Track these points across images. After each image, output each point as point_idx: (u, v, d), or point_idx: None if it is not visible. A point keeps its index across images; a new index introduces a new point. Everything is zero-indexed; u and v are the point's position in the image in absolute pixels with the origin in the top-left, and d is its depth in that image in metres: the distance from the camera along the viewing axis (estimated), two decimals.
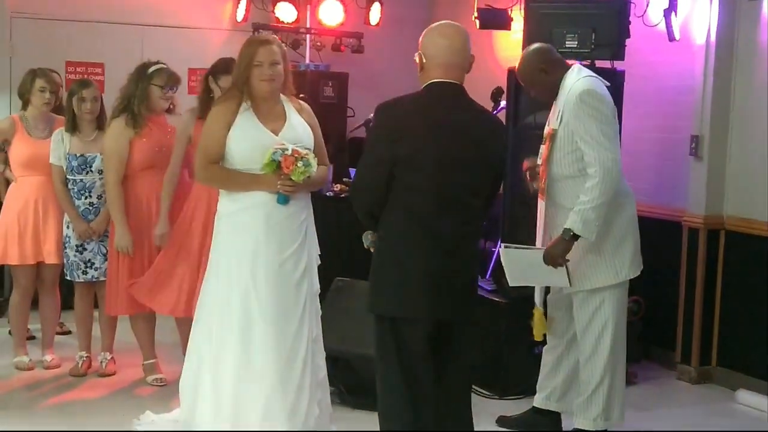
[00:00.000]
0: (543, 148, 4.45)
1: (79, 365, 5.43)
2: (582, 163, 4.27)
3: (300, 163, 4.05)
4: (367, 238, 3.73)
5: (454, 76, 3.51)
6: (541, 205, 4.46)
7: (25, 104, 5.48)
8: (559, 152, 4.33)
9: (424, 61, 3.53)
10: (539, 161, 4.46)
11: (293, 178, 4.07)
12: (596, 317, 4.37)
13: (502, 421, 4.79)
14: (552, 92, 4.43)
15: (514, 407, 5.08)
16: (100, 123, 5.37)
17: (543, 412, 4.69)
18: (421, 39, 3.57)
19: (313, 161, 4.12)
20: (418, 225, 3.44)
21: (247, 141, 4.13)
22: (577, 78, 4.35)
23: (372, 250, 3.69)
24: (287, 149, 4.06)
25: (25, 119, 5.46)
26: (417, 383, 3.53)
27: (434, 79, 3.49)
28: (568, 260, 4.25)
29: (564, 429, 4.65)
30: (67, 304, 5.70)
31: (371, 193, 3.47)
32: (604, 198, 4.19)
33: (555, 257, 4.23)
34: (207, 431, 4.14)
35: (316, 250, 4.33)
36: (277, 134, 4.16)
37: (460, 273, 3.55)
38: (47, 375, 5.42)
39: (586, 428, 4.44)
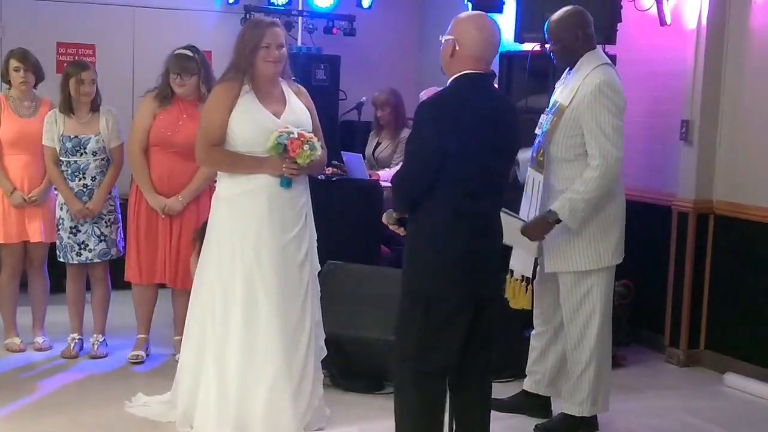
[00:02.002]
0: (544, 118, 4.40)
1: (71, 347, 5.44)
2: (580, 149, 4.26)
3: (306, 147, 4.07)
4: (391, 216, 3.75)
5: (483, 68, 3.60)
6: (534, 175, 4.42)
7: (9, 84, 5.48)
8: (560, 133, 4.30)
9: (457, 49, 3.57)
10: (538, 131, 4.42)
11: (299, 161, 4.08)
12: (584, 303, 4.38)
13: (493, 403, 4.78)
14: (570, 59, 4.38)
15: (503, 390, 5.09)
16: (94, 105, 5.37)
17: (533, 396, 4.71)
18: (455, 25, 3.61)
19: (318, 144, 4.14)
20: (459, 209, 3.52)
21: (249, 124, 4.14)
22: (598, 63, 4.32)
23: (393, 227, 3.76)
24: (293, 132, 4.08)
25: (10, 98, 5.45)
26: (443, 361, 3.59)
27: (465, 70, 3.56)
28: (543, 239, 4.28)
29: (554, 411, 4.67)
30: (59, 287, 5.70)
31: (421, 185, 3.52)
32: (598, 192, 4.21)
33: (533, 236, 4.28)
34: (212, 413, 4.17)
35: (314, 233, 4.35)
36: (278, 117, 4.18)
37: (494, 253, 3.69)
38: (38, 357, 5.43)
39: (573, 413, 4.46)
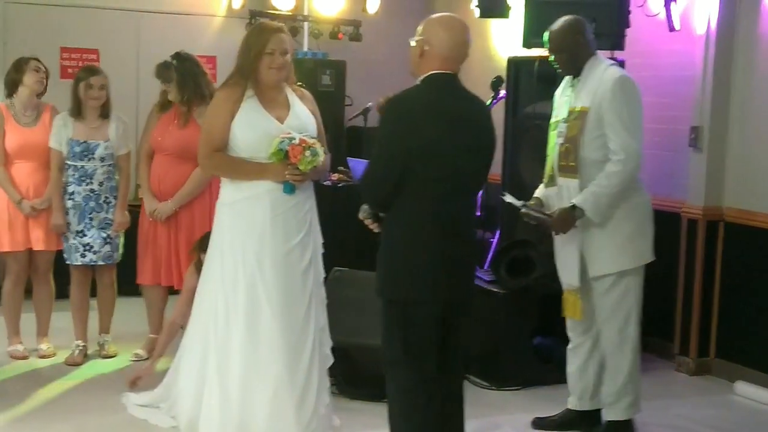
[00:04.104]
0: (565, 127, 4.37)
1: (75, 354, 5.43)
2: (608, 149, 4.25)
3: (308, 153, 4.03)
4: (365, 210, 3.70)
5: (451, 68, 3.59)
6: (566, 182, 4.36)
7: (13, 90, 5.40)
8: (588, 135, 4.27)
9: (425, 49, 3.57)
10: (560, 140, 4.38)
11: (301, 167, 4.04)
12: (621, 305, 4.35)
13: (538, 423, 4.68)
14: (575, 65, 4.37)
15: (511, 398, 5.07)
16: (104, 111, 5.39)
17: (580, 412, 4.61)
18: (422, 27, 3.61)
19: (320, 150, 4.10)
20: (428, 211, 3.50)
21: (253, 129, 4.10)
22: (608, 63, 4.36)
23: (367, 222, 3.71)
24: (294, 138, 4.04)
25: (12, 107, 5.41)
26: (424, 365, 3.57)
27: (433, 70, 3.56)
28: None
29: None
30: (64, 294, 5.68)
31: (386, 186, 3.51)
32: (621, 187, 4.22)
33: (559, 229, 4.31)
34: (215, 421, 4.14)
35: (319, 239, 4.32)
36: (282, 122, 4.14)
37: (467, 256, 3.67)
38: (43, 364, 5.40)
39: (620, 418, 4.43)
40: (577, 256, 4.34)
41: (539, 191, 4.56)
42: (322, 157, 4.13)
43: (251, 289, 4.11)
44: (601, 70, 4.33)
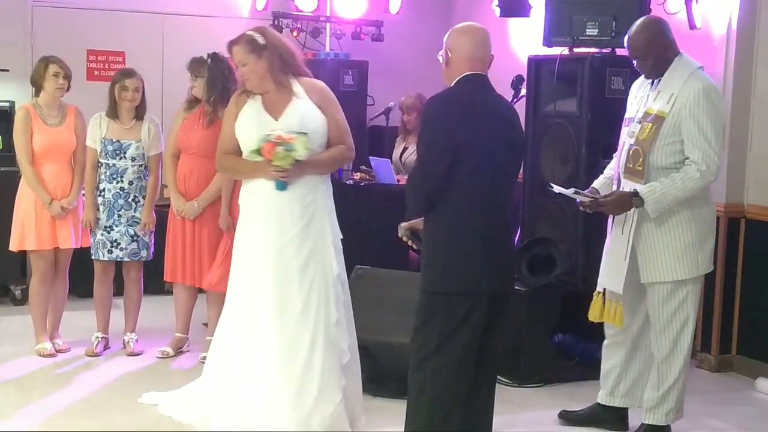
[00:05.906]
0: (638, 128, 4.28)
1: (94, 345, 5.56)
2: (679, 156, 4.19)
3: (280, 149, 4.01)
4: (402, 228, 3.85)
5: (479, 69, 3.70)
6: (629, 184, 4.28)
7: (38, 91, 5.52)
8: (660, 141, 4.20)
9: (450, 55, 3.71)
10: (632, 140, 4.29)
11: (275, 163, 4.04)
12: (678, 313, 4.30)
13: (564, 416, 4.70)
14: (662, 69, 4.27)
15: (533, 395, 5.09)
16: (139, 113, 5.52)
17: (608, 408, 4.60)
18: (444, 39, 3.75)
19: (300, 145, 4.04)
20: (475, 204, 3.61)
21: (246, 130, 4.21)
22: (693, 67, 4.25)
23: (406, 239, 3.84)
24: (270, 135, 4.06)
25: (38, 107, 5.50)
26: (464, 359, 3.64)
27: (464, 73, 3.68)
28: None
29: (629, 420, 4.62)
30: (89, 293, 5.76)
31: (436, 179, 3.58)
32: (690, 194, 4.16)
33: (609, 210, 4.30)
34: (223, 415, 4.21)
35: (328, 233, 4.26)
36: (277, 120, 4.17)
37: (510, 246, 3.80)
38: (69, 359, 5.48)
39: (659, 423, 4.39)
40: (625, 265, 4.27)
41: (597, 183, 4.53)
42: (301, 151, 4.05)
43: (248, 285, 4.19)
44: (685, 73, 4.21)
